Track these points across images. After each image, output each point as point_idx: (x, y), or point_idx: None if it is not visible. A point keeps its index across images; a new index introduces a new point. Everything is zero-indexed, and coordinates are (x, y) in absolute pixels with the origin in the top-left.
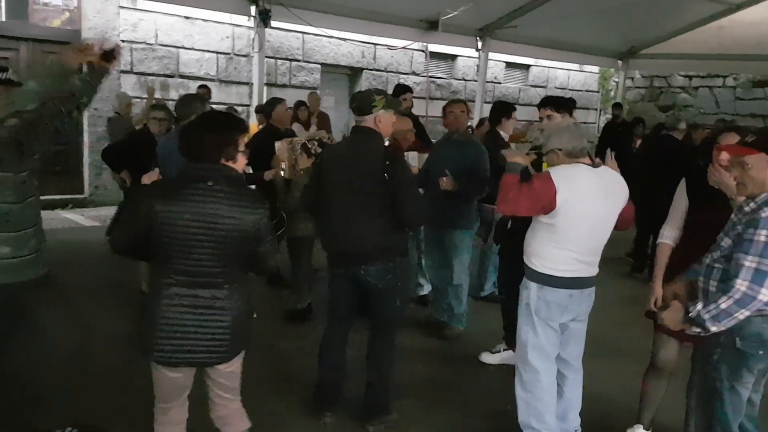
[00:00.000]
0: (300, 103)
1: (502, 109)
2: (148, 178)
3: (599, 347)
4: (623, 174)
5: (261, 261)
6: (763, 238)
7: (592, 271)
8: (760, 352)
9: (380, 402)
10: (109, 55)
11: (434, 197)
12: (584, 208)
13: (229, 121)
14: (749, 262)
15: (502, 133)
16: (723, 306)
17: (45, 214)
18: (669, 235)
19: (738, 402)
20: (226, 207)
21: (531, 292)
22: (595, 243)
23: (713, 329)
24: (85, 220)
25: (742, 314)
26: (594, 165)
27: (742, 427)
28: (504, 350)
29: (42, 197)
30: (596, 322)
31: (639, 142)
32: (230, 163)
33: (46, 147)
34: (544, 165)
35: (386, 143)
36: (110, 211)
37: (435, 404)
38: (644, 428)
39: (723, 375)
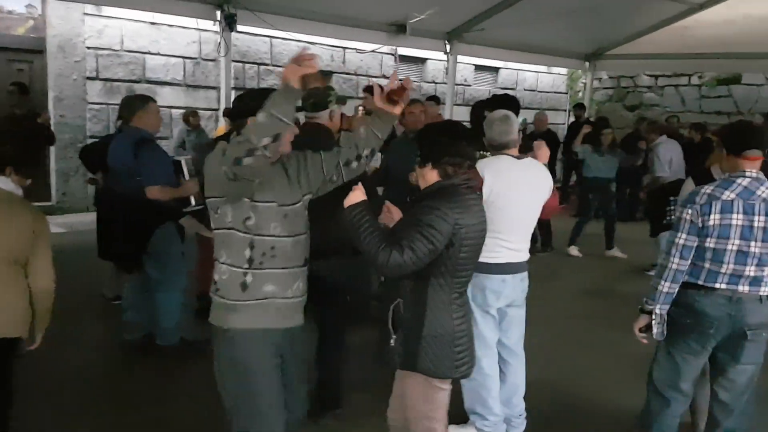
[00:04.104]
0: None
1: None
2: (360, 193)
3: (565, 339)
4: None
5: None
6: None
7: (523, 256)
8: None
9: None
10: (397, 95)
11: (396, 194)
12: (510, 197)
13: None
14: None
15: None
16: None
17: None
18: None
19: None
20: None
21: None
22: (523, 230)
23: None
24: (52, 227)
25: None
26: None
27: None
28: None
29: None
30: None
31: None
32: None
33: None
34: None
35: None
36: (78, 218)
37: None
38: None
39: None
